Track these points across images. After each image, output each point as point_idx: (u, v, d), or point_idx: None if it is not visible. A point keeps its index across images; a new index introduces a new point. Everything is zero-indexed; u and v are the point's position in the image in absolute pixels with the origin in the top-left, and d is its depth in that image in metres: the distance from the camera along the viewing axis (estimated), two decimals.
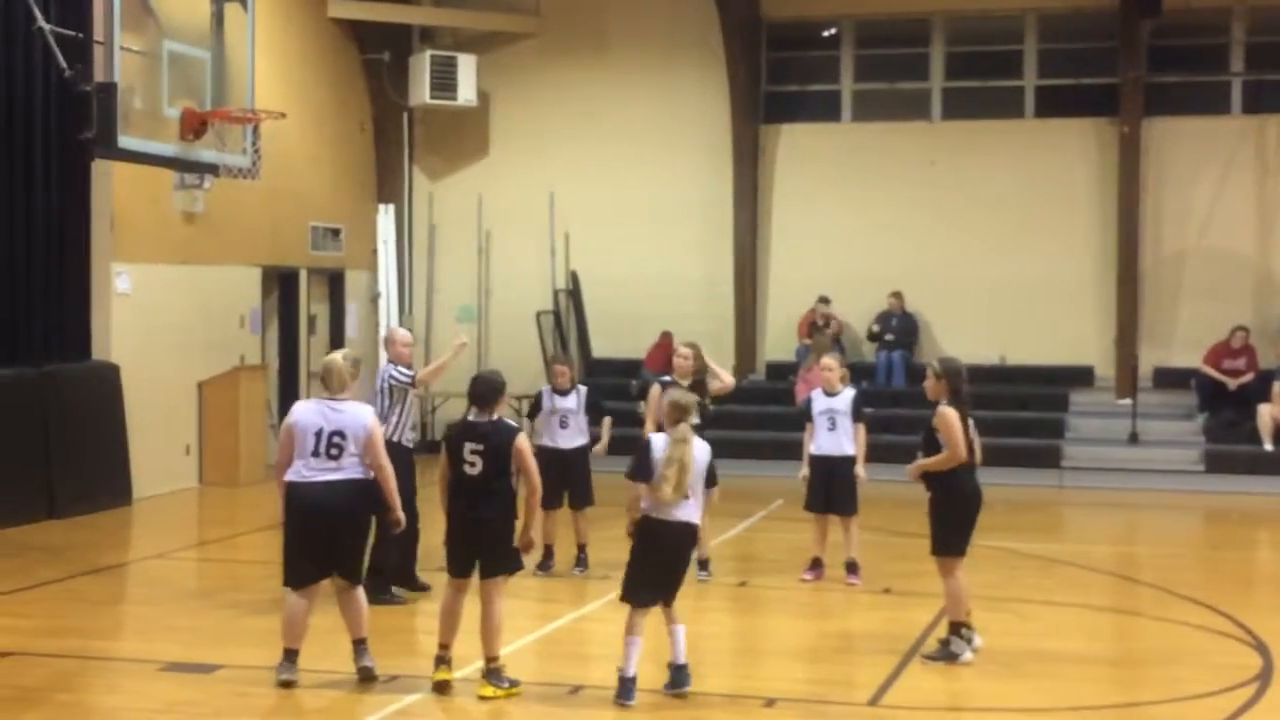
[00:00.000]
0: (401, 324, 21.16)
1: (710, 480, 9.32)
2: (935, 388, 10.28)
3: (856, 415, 12.81)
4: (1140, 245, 21.43)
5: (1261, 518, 18.07)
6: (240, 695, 9.26)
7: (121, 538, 15.84)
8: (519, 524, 9.28)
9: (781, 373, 21.87)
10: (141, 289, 17.78)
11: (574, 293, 23.19)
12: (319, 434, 9.30)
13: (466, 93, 22.41)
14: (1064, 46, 22.27)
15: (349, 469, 9.32)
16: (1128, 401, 20.80)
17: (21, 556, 13.97)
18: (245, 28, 15.32)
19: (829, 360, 13.14)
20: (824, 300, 21.69)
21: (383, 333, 17.70)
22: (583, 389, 13.39)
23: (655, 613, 9.19)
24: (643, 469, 9.05)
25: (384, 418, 11.29)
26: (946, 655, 10.19)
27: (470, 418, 9.32)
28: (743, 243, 22.47)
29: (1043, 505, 18.72)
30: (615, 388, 19.59)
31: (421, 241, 23.72)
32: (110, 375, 17.17)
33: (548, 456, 12.70)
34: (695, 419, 9.27)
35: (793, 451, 13.50)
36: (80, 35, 14.67)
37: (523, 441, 9.27)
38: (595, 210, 22.90)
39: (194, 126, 14.62)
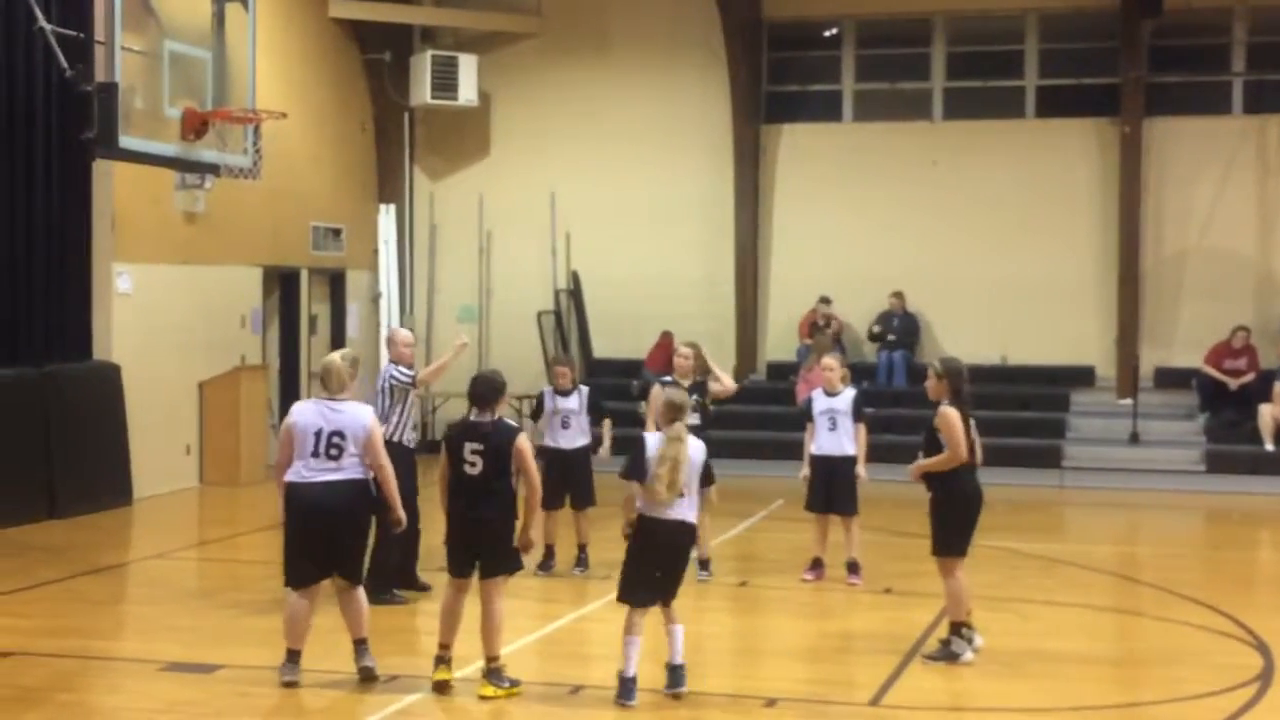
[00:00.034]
0: (402, 324, 21.15)
1: (706, 479, 9.30)
2: (936, 388, 10.28)
3: (857, 415, 12.81)
4: (1141, 245, 21.42)
5: (1262, 518, 18.07)
6: (241, 695, 9.26)
7: (122, 538, 15.84)
8: (519, 524, 9.28)
9: (782, 373, 21.86)
10: (142, 289, 17.78)
11: (575, 293, 23.18)
12: (319, 434, 9.30)
13: (467, 93, 22.39)
14: (1065, 46, 22.26)
15: (349, 469, 9.32)
16: (1129, 401, 20.79)
17: (22, 556, 13.97)
18: (246, 28, 15.31)
19: (830, 360, 13.14)
20: (825, 300, 21.68)
21: (384, 333, 17.71)
22: (584, 389, 13.37)
23: (655, 612, 9.18)
24: (637, 468, 9.05)
25: (385, 418, 11.30)
26: (947, 655, 10.19)
27: (471, 418, 9.32)
28: (744, 243, 22.46)
29: (1044, 505, 18.72)
30: (616, 388, 19.61)
31: (422, 241, 23.71)
32: (111, 375, 17.17)
33: (550, 457, 12.73)
34: (695, 419, 9.26)
35: (793, 451, 13.51)
36: (81, 35, 14.65)
37: (523, 441, 9.27)
38: (596, 210, 22.89)
39: (195, 126, 14.60)
